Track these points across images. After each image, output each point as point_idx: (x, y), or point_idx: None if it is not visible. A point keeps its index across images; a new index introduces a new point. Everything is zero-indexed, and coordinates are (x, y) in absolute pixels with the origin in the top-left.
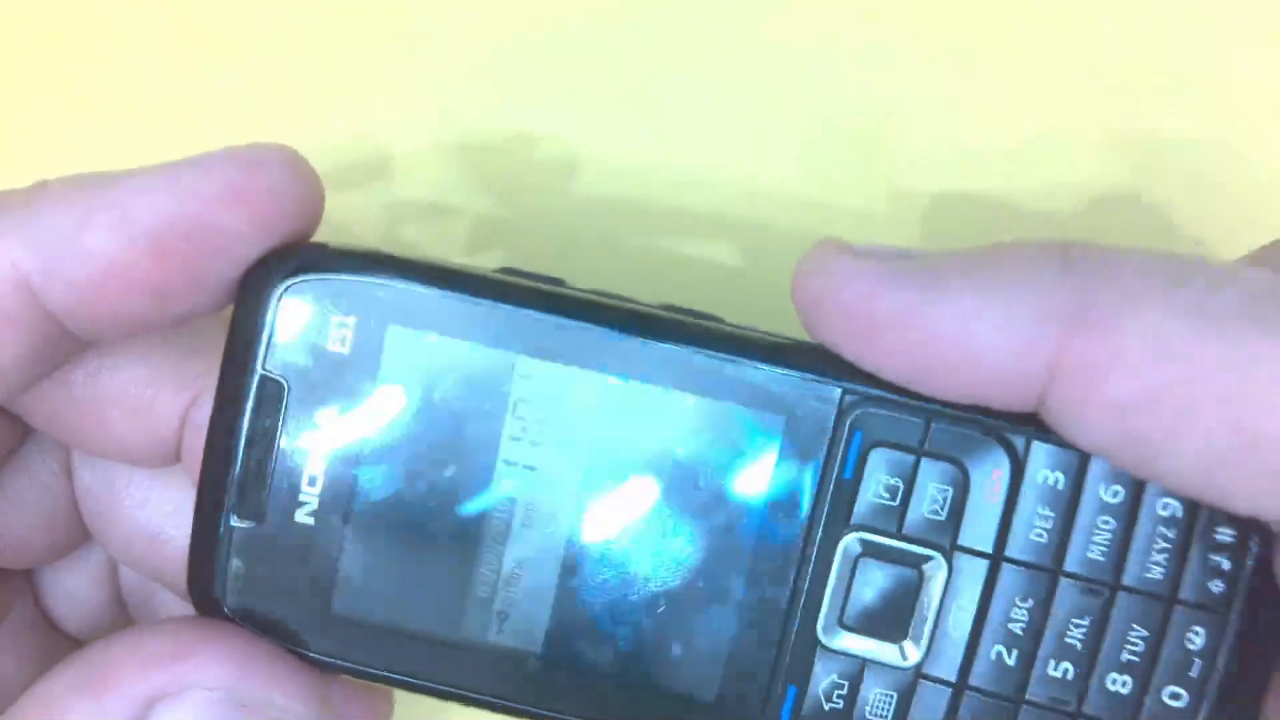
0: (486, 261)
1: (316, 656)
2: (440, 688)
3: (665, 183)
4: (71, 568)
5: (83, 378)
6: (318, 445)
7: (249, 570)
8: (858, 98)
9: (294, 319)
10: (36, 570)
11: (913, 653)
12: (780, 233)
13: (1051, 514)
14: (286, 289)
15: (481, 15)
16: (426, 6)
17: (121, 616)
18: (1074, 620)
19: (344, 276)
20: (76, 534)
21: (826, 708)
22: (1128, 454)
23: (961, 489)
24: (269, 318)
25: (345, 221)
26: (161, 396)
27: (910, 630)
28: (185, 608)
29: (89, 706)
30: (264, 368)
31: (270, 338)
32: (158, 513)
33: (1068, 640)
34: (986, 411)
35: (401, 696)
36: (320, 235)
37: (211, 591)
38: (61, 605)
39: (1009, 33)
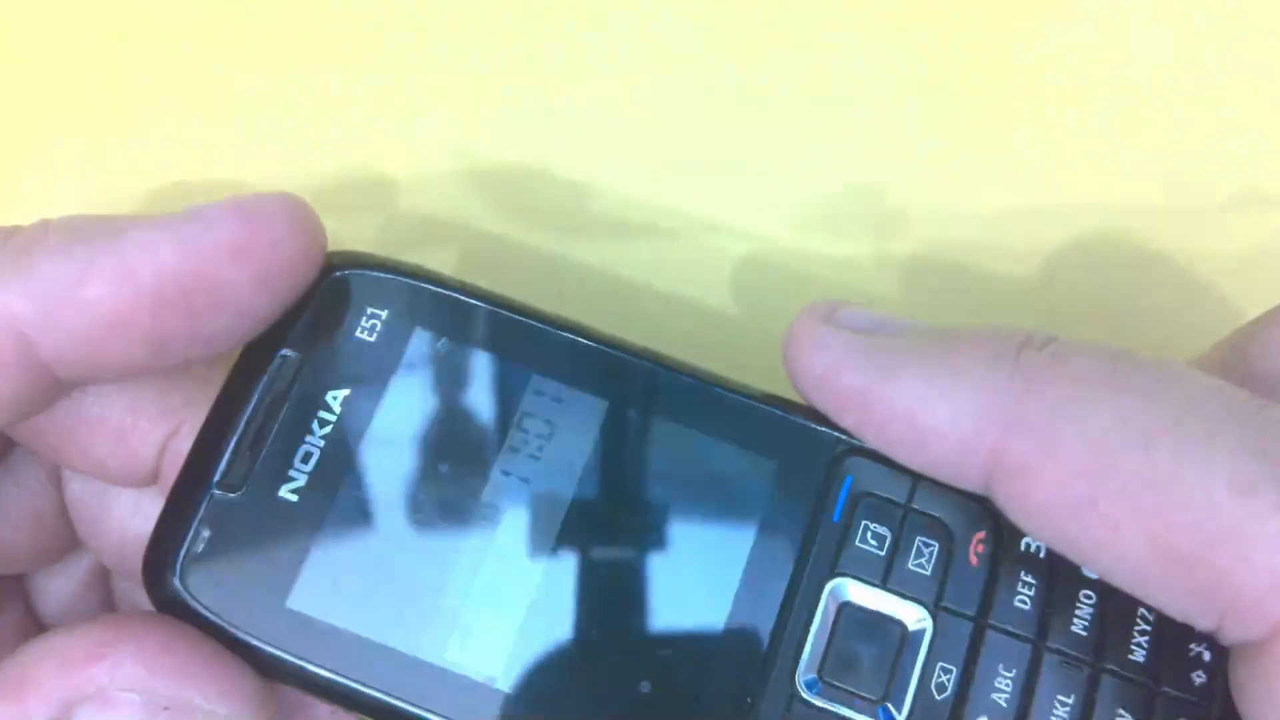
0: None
1: (263, 647)
2: (389, 701)
3: (661, 218)
4: (62, 573)
5: (66, 402)
6: (320, 425)
7: (215, 544)
8: (859, 149)
9: (328, 305)
10: (27, 576)
11: (895, 716)
12: (777, 278)
13: (1034, 582)
14: (331, 276)
15: (486, 38)
16: (430, 27)
17: None
18: (1059, 698)
19: (381, 274)
20: (66, 539)
21: None
22: (1065, 552)
23: (946, 548)
24: (306, 300)
25: (345, 240)
26: (142, 424)
27: (892, 690)
28: None
29: (10, 710)
30: (288, 345)
31: (300, 319)
32: (148, 521)
33: (1054, 717)
34: None
35: None
36: None
37: (168, 563)
38: (53, 611)
39: (1015, 86)
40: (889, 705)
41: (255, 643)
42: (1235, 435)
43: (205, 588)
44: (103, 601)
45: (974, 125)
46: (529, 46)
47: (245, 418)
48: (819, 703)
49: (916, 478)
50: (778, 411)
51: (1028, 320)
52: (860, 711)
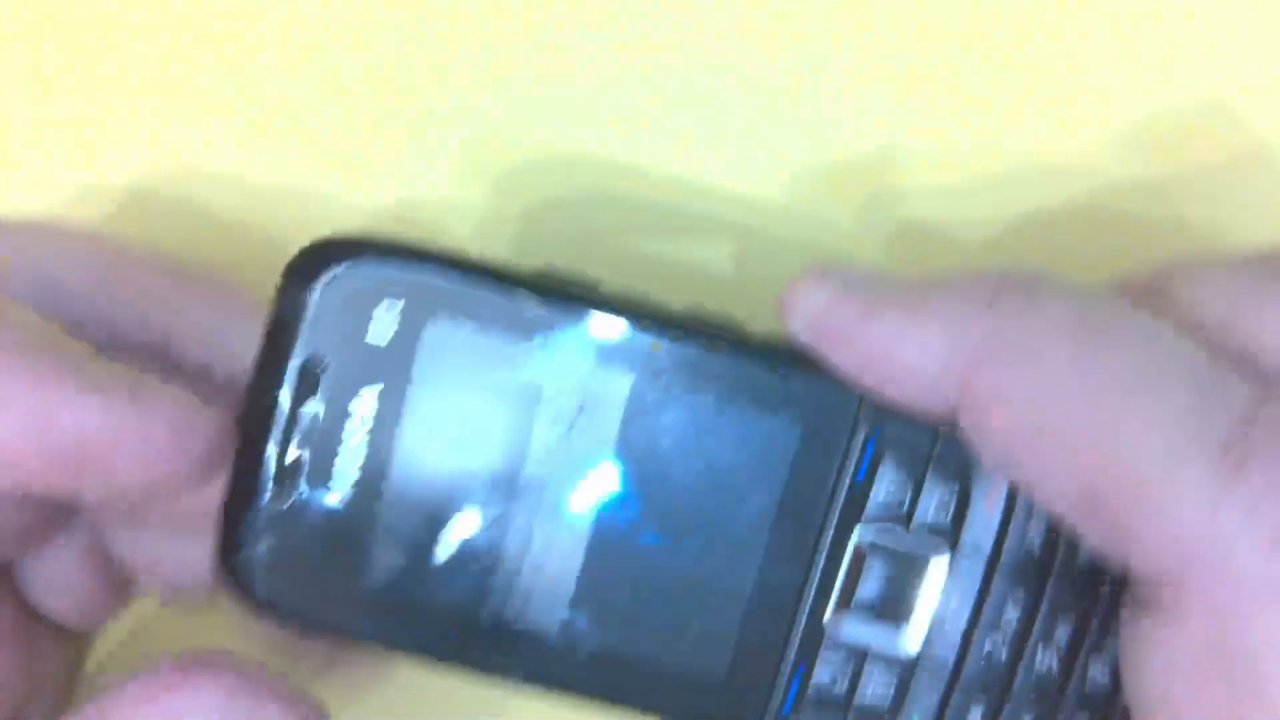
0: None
1: (345, 635)
2: (465, 666)
3: (667, 189)
4: (53, 555)
5: None
6: (351, 430)
7: (279, 551)
8: (858, 113)
9: (336, 305)
10: (14, 563)
11: (911, 644)
12: (778, 244)
13: (1046, 523)
14: (333, 276)
15: (485, 23)
16: (430, 14)
17: (111, 597)
18: (1061, 615)
19: (387, 266)
20: (53, 518)
21: (830, 692)
22: (1016, 482)
23: (964, 497)
24: (312, 302)
25: (353, 218)
26: None
27: (910, 623)
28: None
29: None
30: (303, 351)
31: (312, 322)
32: None
33: (1056, 634)
34: None
35: (417, 678)
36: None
37: (239, 573)
38: (45, 595)
39: (1012, 51)
40: (907, 636)
41: (341, 633)
42: (1184, 404)
43: (282, 590)
44: (98, 579)
45: (976, 89)
46: (518, 31)
47: (277, 430)
48: (844, 637)
49: (937, 430)
50: (804, 373)
51: None
52: (881, 643)
